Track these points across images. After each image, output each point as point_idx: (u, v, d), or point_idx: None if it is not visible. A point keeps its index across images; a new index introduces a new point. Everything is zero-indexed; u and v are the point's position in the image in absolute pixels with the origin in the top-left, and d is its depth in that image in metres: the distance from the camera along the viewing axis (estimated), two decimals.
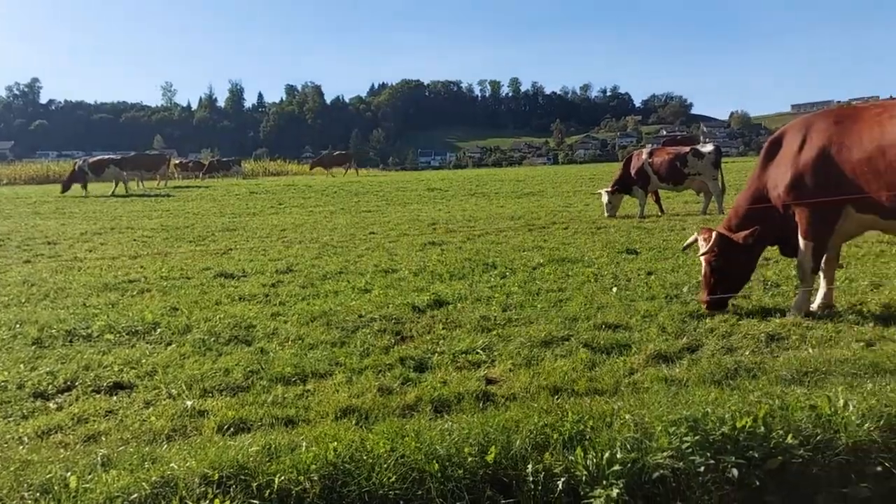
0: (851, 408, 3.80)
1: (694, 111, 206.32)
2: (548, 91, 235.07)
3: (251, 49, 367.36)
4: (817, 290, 6.65)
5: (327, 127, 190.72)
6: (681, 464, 3.40)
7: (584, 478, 3.39)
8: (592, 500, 3.29)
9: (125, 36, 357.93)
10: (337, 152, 58.04)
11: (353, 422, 4.21)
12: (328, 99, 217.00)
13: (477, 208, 19.41)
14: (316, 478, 3.37)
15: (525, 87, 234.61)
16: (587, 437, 3.65)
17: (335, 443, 3.60)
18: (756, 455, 3.46)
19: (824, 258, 6.50)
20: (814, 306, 6.51)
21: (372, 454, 3.50)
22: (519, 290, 7.86)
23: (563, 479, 3.39)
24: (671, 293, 7.32)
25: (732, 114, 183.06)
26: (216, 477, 3.41)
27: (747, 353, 5.37)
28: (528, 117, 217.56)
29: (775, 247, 7.00)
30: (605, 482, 3.33)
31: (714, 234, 6.72)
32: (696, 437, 3.47)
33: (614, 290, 7.62)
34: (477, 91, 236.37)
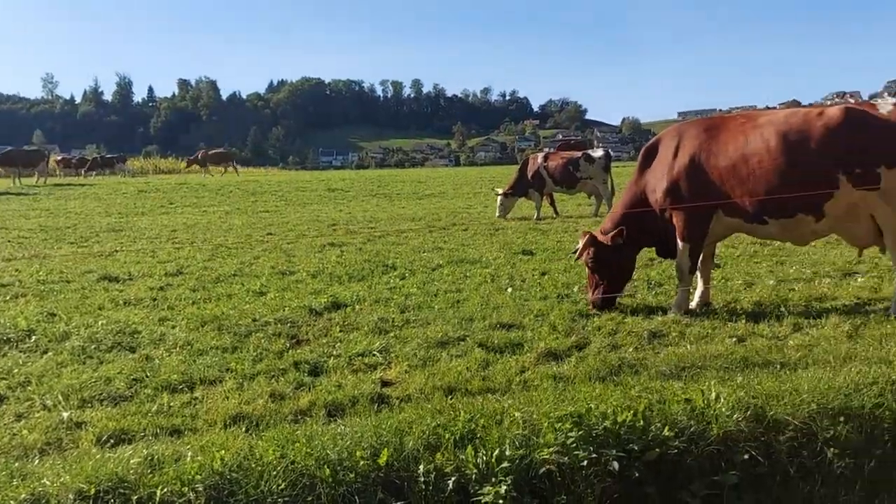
0: (722, 400, 4.05)
1: (588, 117, 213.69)
2: (449, 93, 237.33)
3: (140, 41, 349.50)
4: (696, 289, 7.06)
5: (223, 124, 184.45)
6: (566, 458, 3.52)
7: (474, 476, 3.45)
8: (482, 497, 3.35)
9: None
10: (214, 150, 52.84)
11: (243, 429, 4.11)
12: (224, 95, 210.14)
13: (378, 209, 19.37)
14: (201, 488, 3.26)
15: (427, 88, 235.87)
16: (478, 435, 3.72)
17: (222, 451, 3.51)
18: (636, 448, 3.63)
19: (700, 258, 6.91)
20: (693, 304, 6.91)
21: (261, 462, 3.43)
22: (418, 291, 7.91)
23: (453, 479, 3.44)
24: (563, 293, 7.57)
25: (624, 120, 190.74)
26: (92, 491, 3.24)
27: (631, 349, 5.63)
28: (430, 119, 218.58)
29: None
30: (494, 479, 3.40)
31: (587, 236, 7.03)
32: (581, 432, 3.61)
33: (509, 290, 7.81)
34: (379, 91, 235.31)
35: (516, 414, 3.87)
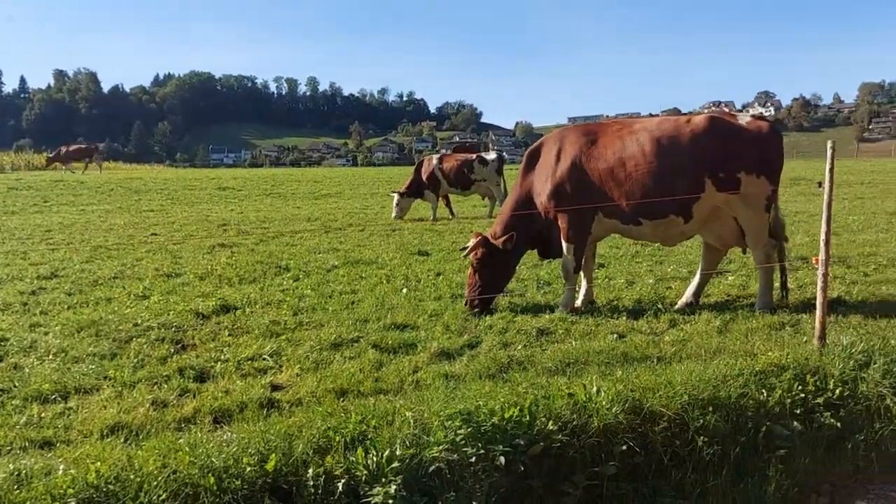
0: (603, 394, 4.24)
1: (484, 120, 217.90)
2: (346, 92, 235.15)
3: (10, 27, 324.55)
4: (582, 287, 7.35)
5: (104, 118, 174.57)
6: (455, 456, 3.58)
7: (364, 477, 3.45)
8: (371, 498, 3.35)
9: None
10: (75, 146, 46.90)
11: (122, 439, 3.94)
12: (106, 88, 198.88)
13: (272, 209, 18.92)
14: (73, 502, 3.09)
15: (323, 86, 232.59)
16: (369, 436, 3.72)
17: (98, 463, 3.33)
18: (521, 443, 3.74)
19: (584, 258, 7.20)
20: (578, 302, 7.18)
21: (140, 472, 3.29)
22: (312, 292, 7.80)
23: (343, 481, 3.42)
24: (457, 293, 7.68)
25: (517, 124, 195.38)
26: None
27: (520, 347, 5.79)
28: (326, 117, 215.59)
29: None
30: (384, 480, 3.41)
31: (479, 238, 7.19)
32: (469, 430, 3.68)
33: (405, 290, 7.84)
34: (273, 88, 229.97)
35: (407, 414, 3.90)
